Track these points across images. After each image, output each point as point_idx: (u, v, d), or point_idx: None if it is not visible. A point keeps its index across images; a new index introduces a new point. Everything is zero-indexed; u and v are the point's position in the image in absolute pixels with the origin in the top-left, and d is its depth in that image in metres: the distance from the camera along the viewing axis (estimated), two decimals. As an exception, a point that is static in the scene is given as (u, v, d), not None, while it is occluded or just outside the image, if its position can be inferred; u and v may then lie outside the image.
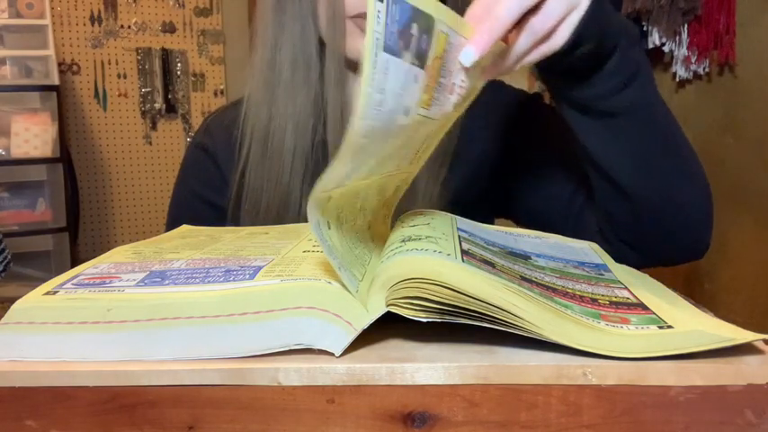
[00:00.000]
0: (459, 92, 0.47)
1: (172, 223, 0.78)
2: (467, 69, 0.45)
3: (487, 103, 0.75)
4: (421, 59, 0.40)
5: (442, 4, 0.41)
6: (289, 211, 0.74)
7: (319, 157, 0.74)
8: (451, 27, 0.43)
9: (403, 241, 0.45)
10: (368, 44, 0.35)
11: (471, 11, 0.47)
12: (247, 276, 0.42)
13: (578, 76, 0.56)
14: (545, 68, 0.56)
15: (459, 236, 0.48)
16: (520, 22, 0.48)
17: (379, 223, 0.53)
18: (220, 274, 0.43)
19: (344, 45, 0.71)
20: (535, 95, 0.82)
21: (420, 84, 0.41)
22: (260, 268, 0.44)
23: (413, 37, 0.39)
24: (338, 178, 0.39)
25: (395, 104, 0.39)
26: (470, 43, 0.45)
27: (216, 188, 0.79)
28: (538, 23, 0.48)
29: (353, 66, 0.74)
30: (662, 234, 0.62)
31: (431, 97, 0.43)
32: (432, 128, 0.48)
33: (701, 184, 0.63)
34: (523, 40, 0.49)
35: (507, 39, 0.49)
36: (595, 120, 0.59)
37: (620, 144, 0.59)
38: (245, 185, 0.75)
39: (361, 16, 0.69)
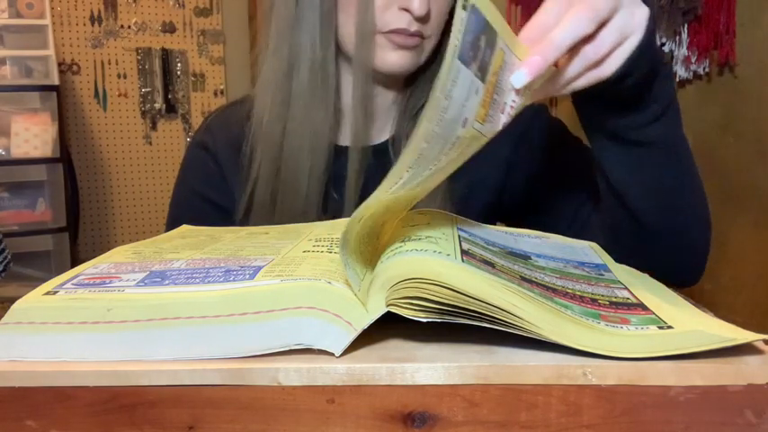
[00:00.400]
0: (509, 112, 0.46)
1: (172, 222, 0.77)
2: (517, 90, 0.45)
3: None
4: (483, 73, 0.40)
5: (504, 21, 0.42)
6: None
7: (332, 175, 0.74)
8: (508, 45, 0.43)
9: (403, 241, 0.45)
10: (450, 50, 0.36)
11: (526, 32, 0.47)
12: (247, 276, 0.42)
13: (616, 104, 0.56)
14: (583, 94, 0.54)
15: (459, 236, 0.48)
16: (573, 48, 0.47)
17: (388, 225, 0.53)
18: (220, 274, 0.43)
19: (373, 58, 0.71)
20: (541, 108, 0.83)
21: (479, 97, 0.41)
22: (260, 268, 0.44)
23: (480, 49, 0.39)
24: (394, 185, 0.40)
25: (457, 113, 0.39)
26: (523, 65, 0.45)
27: (216, 187, 0.79)
28: (591, 51, 0.48)
29: (385, 81, 0.76)
30: (663, 258, 0.63)
31: (486, 113, 0.43)
32: (477, 145, 0.48)
33: (705, 216, 0.64)
34: (575, 67, 0.48)
35: (558, 63, 0.48)
36: (623, 148, 0.58)
37: (643, 173, 0.59)
38: (254, 203, 0.75)
39: (395, 32, 0.70)
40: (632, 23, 0.49)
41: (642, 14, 0.49)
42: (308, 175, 0.73)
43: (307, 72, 0.72)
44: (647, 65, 0.52)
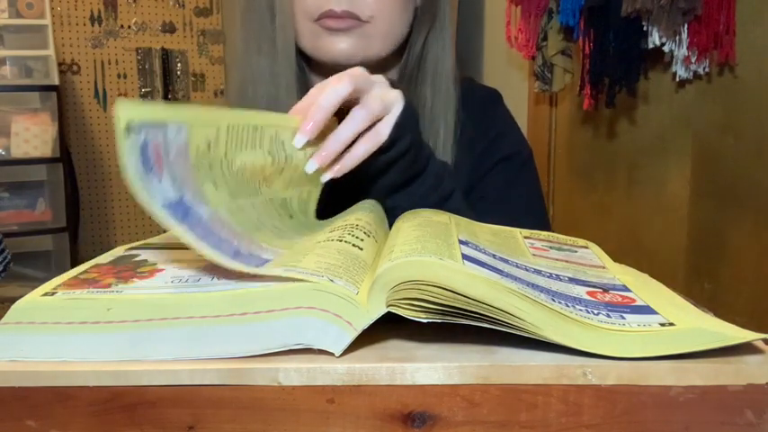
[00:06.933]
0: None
1: None
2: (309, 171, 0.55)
3: (475, 136, 0.78)
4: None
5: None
6: None
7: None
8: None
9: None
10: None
11: (297, 106, 0.56)
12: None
13: (399, 182, 0.63)
14: (368, 176, 0.61)
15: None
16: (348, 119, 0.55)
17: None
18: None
19: (319, 50, 0.74)
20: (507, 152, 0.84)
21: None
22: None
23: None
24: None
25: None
26: (299, 131, 0.53)
27: None
28: (362, 114, 0.55)
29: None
30: None
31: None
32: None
33: None
34: (347, 126, 0.55)
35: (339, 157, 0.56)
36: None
37: None
38: None
39: (325, 17, 0.71)
40: (390, 97, 0.58)
41: (396, 93, 0.59)
42: None
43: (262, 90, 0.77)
44: (411, 133, 0.60)
